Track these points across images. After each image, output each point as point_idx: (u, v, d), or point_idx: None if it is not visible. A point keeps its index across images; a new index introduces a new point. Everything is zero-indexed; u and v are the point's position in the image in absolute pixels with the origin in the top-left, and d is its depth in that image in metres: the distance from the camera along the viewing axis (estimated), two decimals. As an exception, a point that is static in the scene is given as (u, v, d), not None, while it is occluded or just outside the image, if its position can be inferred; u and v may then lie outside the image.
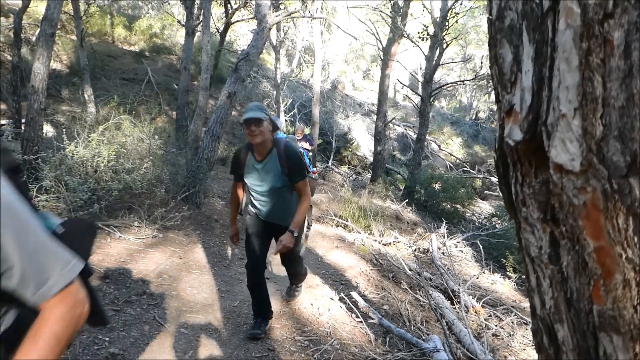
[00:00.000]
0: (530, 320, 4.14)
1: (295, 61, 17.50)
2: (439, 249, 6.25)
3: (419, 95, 10.69)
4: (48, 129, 8.63)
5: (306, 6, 9.96)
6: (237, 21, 13.09)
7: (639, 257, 0.45)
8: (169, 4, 16.10)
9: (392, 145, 17.39)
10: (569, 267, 0.52)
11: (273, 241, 3.04)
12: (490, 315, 4.21)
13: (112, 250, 4.05)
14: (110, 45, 14.72)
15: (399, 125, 18.74)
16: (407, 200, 9.58)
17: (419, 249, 6.28)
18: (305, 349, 3.01)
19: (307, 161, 5.46)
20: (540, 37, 0.51)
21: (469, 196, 10.57)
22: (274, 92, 13.46)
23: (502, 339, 3.74)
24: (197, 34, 11.50)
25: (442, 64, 11.10)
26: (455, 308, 4.22)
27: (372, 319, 3.57)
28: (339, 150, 15.53)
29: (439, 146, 18.83)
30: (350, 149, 15.97)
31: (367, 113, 18.93)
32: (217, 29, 13.08)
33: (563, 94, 0.48)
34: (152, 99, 12.45)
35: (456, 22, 10.18)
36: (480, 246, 6.36)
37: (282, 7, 9.14)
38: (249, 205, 3.02)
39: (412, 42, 10.41)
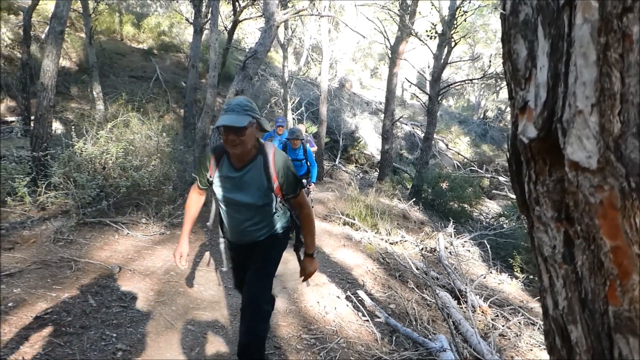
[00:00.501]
0: (538, 321, 4.11)
1: (303, 59, 17.49)
2: (446, 248, 6.23)
3: (427, 93, 10.64)
4: (57, 126, 8.73)
5: (314, 4, 9.94)
6: (245, 19, 13.15)
7: (657, 258, 0.44)
8: (177, 2, 16.21)
9: (399, 144, 17.36)
10: (583, 267, 0.51)
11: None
12: (497, 315, 4.19)
13: (119, 247, 4.09)
14: (118, 43, 14.81)
15: (406, 124, 18.70)
16: (414, 199, 9.55)
17: (426, 248, 6.25)
18: (311, 347, 3.01)
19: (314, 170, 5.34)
20: (556, 32, 0.50)
21: (476, 195, 10.51)
22: (282, 90, 13.48)
23: (509, 339, 3.72)
24: (205, 31, 11.55)
25: (450, 63, 11.03)
26: (462, 308, 4.20)
27: (379, 317, 3.56)
28: (346, 148, 15.53)
29: (447, 145, 18.75)
30: (357, 148, 15.95)
31: (375, 111, 18.91)
32: (225, 27, 13.15)
33: (580, 90, 0.47)
34: (160, 97, 12.53)
35: (464, 20, 10.09)
36: (488, 246, 6.34)
37: (290, 5, 9.14)
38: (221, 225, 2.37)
39: (420, 40, 10.36)
